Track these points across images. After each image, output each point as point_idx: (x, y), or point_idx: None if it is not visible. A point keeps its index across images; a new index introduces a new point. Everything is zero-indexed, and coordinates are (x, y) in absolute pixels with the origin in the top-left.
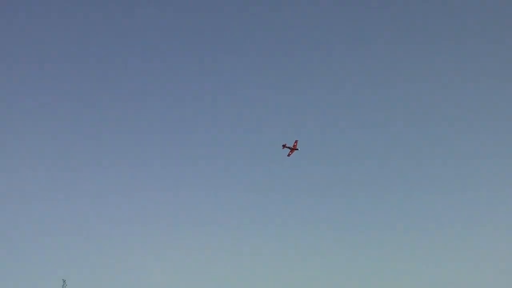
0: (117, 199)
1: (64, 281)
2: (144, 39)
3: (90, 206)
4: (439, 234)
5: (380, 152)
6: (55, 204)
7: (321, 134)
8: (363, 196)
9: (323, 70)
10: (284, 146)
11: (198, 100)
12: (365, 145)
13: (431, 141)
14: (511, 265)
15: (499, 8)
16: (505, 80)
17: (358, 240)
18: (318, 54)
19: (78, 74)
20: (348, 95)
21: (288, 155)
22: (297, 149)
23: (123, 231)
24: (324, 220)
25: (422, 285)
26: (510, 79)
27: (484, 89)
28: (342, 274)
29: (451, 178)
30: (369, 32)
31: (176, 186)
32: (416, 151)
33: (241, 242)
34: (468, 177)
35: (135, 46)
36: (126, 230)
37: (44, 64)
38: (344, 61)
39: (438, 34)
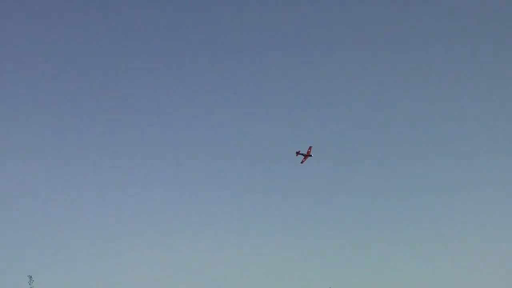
0: (115, 199)
1: (30, 277)
2: (144, 39)
3: (89, 205)
4: (439, 234)
5: (380, 152)
6: (48, 202)
7: (321, 134)
8: (363, 196)
9: (323, 70)
10: (298, 153)
11: (198, 100)
12: (365, 145)
13: (431, 141)
14: (511, 265)
15: (499, 8)
16: (505, 80)
17: (358, 240)
18: (318, 54)
19: (78, 74)
20: (348, 95)
21: (302, 162)
22: (311, 156)
23: (122, 231)
24: (324, 220)
25: (422, 285)
26: (510, 79)
27: (483, 89)
28: (342, 274)
29: (451, 178)
30: (369, 32)
31: (175, 186)
32: (416, 151)
33: (241, 242)
34: (468, 177)
35: (135, 46)
36: (125, 230)
37: (44, 64)
38: (344, 61)
39: (438, 34)
